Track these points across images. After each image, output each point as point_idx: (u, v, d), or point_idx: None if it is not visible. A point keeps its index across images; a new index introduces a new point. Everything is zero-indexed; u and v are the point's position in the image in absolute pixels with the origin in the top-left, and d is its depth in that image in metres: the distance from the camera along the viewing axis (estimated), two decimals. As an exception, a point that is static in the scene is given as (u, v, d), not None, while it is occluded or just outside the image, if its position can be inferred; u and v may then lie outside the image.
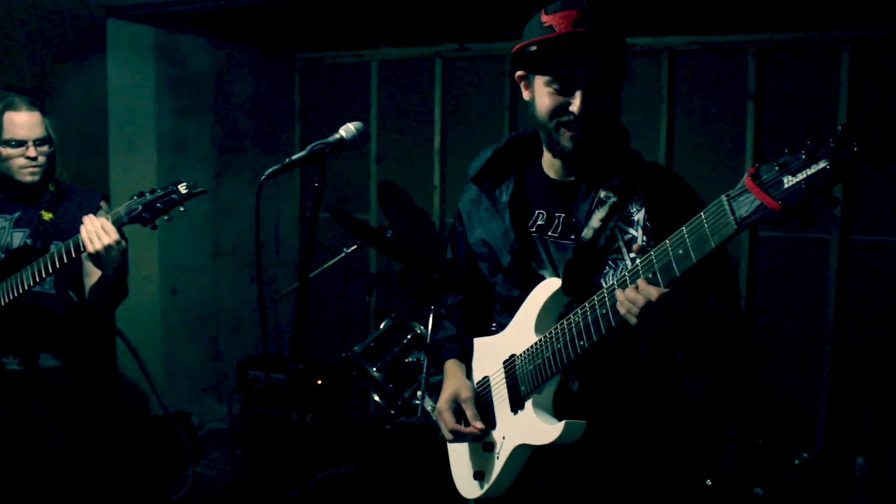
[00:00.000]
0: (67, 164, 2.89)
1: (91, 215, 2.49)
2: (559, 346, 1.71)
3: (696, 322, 1.59)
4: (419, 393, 3.56)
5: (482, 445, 1.92)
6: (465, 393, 1.95)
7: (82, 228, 2.46)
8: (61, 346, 2.82)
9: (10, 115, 2.66)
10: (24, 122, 2.67)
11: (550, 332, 1.74)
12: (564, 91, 1.73)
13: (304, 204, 5.62)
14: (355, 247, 3.91)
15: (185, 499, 4.12)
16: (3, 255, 2.70)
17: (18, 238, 2.74)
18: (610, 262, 1.75)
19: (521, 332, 1.83)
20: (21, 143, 2.68)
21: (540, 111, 1.78)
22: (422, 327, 3.76)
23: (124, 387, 4.68)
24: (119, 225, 2.46)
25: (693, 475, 3.57)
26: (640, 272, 1.53)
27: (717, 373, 1.88)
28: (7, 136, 2.67)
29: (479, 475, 1.91)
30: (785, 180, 1.29)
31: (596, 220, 1.73)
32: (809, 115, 4.12)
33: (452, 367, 2.06)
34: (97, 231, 2.44)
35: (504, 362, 1.87)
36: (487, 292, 2.03)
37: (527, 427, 1.77)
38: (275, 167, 1.87)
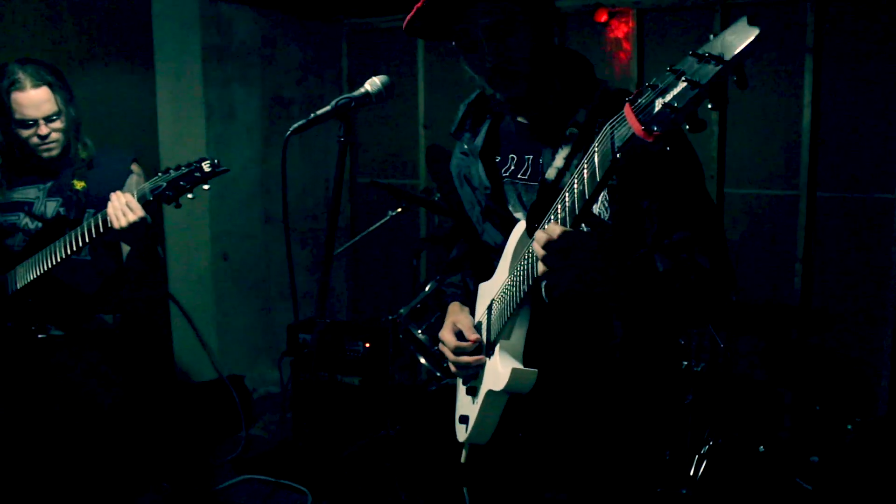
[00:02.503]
0: (116, 133, 2.92)
1: (118, 192, 2.51)
2: (513, 290, 1.65)
3: (622, 278, 1.47)
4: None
5: (467, 390, 1.90)
6: (465, 321, 1.91)
7: (109, 205, 2.49)
8: (100, 310, 2.89)
9: (16, 96, 2.66)
10: (31, 100, 2.67)
11: (510, 277, 1.70)
12: (472, 48, 1.69)
13: (352, 168, 5.63)
14: (400, 210, 3.89)
15: (239, 459, 4.21)
16: (40, 225, 2.76)
17: (52, 207, 2.79)
18: None
19: (498, 277, 1.81)
20: (32, 123, 2.70)
21: (474, 77, 1.75)
22: (467, 289, 3.73)
23: (182, 353, 4.80)
24: (144, 202, 2.49)
25: (745, 443, 3.50)
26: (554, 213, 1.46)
27: (661, 328, 1.80)
28: (18, 116, 2.68)
29: (464, 419, 1.90)
30: (656, 104, 1.18)
31: (559, 160, 1.65)
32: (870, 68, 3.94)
33: (452, 308, 2.03)
34: (122, 208, 2.47)
35: (487, 307, 1.84)
36: (481, 242, 2.01)
37: (491, 372, 1.75)
38: (300, 122, 1.85)
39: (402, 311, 3.80)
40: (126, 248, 2.83)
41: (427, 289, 3.87)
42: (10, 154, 2.79)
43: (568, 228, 1.38)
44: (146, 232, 2.54)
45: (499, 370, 1.69)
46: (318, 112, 1.87)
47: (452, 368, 1.91)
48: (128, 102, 4.22)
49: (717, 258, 1.61)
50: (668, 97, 1.15)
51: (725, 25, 4.32)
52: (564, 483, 1.83)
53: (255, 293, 5.17)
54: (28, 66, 2.69)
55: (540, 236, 1.41)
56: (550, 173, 1.65)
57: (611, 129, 1.27)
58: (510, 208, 1.82)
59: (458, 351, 1.86)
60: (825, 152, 4.10)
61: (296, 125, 1.86)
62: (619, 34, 4.56)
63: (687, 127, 1.17)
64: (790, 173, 4.19)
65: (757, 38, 1.08)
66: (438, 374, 3.79)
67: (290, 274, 1.89)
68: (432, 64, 5.23)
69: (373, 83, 1.92)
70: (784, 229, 4.23)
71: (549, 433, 1.82)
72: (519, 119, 1.83)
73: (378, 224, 3.88)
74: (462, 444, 1.95)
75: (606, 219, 1.61)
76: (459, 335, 1.89)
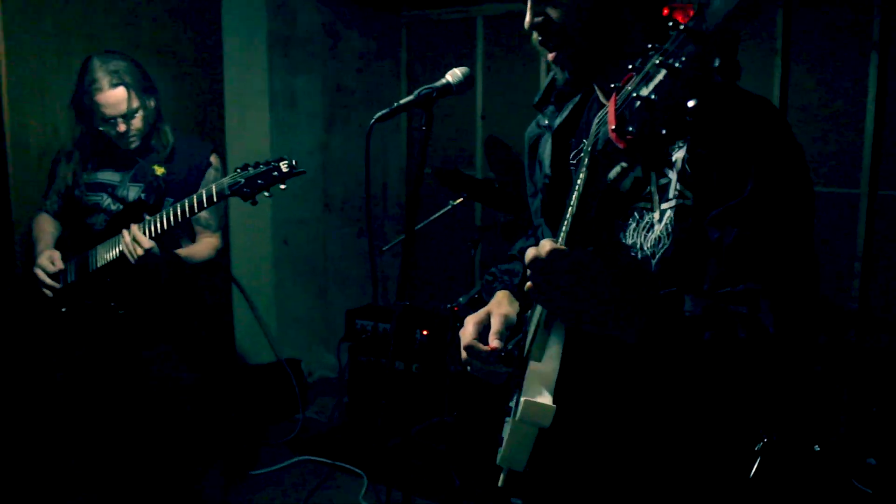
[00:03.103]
0: (185, 118, 3.03)
1: (124, 230, 2.66)
2: (539, 307, 1.31)
3: (642, 322, 1.13)
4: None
5: (507, 407, 1.51)
6: (498, 321, 1.49)
7: (120, 244, 2.67)
8: (167, 294, 2.99)
9: (98, 98, 2.80)
10: (109, 101, 2.80)
11: None
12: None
13: (410, 157, 5.69)
14: (460, 200, 3.93)
15: (296, 440, 4.30)
16: (121, 207, 2.88)
17: (134, 192, 2.91)
18: (635, 213, 1.34)
19: None
20: (112, 120, 2.83)
21: None
22: (525, 280, 3.77)
23: (241, 335, 4.91)
24: (221, 198, 2.59)
25: (802, 441, 3.47)
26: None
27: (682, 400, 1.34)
28: (98, 115, 2.83)
29: (501, 441, 1.52)
30: (636, 95, 0.91)
31: None
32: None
33: (499, 296, 1.58)
34: (132, 245, 2.62)
35: (529, 315, 1.50)
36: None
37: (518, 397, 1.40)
38: (383, 111, 1.90)
39: (461, 299, 3.85)
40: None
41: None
42: (95, 144, 2.92)
43: (560, 246, 1.08)
44: (161, 256, 2.69)
45: (521, 398, 1.35)
46: (401, 101, 1.92)
47: (462, 355, 1.52)
48: (195, 89, 4.32)
49: (790, 321, 1.19)
50: (649, 87, 0.88)
51: (788, 24, 4.26)
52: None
53: (312, 278, 5.26)
54: (109, 63, 2.80)
55: (529, 251, 1.10)
56: (613, 172, 1.19)
57: (597, 124, 1.04)
58: (567, 201, 1.43)
59: (469, 349, 1.48)
60: (889, 149, 4.05)
61: (379, 114, 1.92)
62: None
63: (664, 132, 0.88)
64: (851, 170, 4.14)
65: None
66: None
67: (372, 262, 1.94)
68: (491, 55, 5.25)
69: (454, 74, 1.96)
70: (843, 228, 4.19)
71: (573, 470, 1.50)
72: (602, 101, 1.47)
73: (439, 213, 3.93)
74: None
75: (667, 245, 1.28)
76: (483, 332, 1.50)
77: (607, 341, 1.18)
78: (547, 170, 1.55)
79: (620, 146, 0.92)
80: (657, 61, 0.88)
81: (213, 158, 3.03)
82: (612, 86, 0.97)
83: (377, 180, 5.67)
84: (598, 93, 1.48)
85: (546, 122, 1.61)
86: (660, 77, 0.87)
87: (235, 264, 4.84)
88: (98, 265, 2.80)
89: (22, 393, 3.05)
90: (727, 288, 1.21)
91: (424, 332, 4.32)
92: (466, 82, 1.96)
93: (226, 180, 2.60)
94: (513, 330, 1.50)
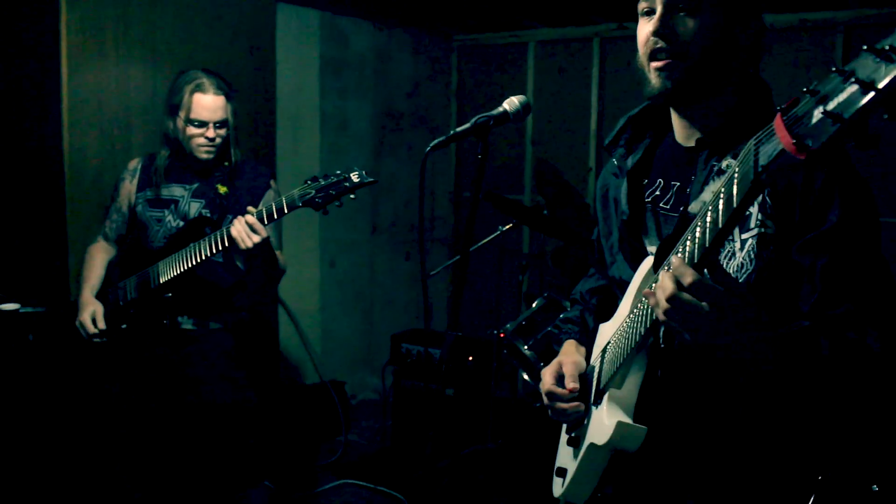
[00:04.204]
0: (240, 140, 3.06)
1: (239, 217, 2.64)
2: (629, 332, 1.47)
3: (771, 350, 1.26)
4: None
5: (569, 440, 1.72)
6: (570, 361, 1.74)
7: (232, 228, 2.62)
8: (228, 310, 3.01)
9: (198, 97, 2.84)
10: (210, 104, 2.85)
11: (628, 317, 1.51)
12: (650, 13, 1.48)
13: (458, 182, 5.68)
14: (510, 225, 3.91)
15: (338, 463, 4.29)
16: (183, 224, 2.91)
17: (195, 208, 2.94)
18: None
19: (619, 317, 1.63)
20: (203, 125, 2.86)
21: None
22: (573, 308, 3.72)
23: (285, 356, 4.93)
24: (291, 209, 2.61)
25: (855, 480, 3.35)
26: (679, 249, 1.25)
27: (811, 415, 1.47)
28: (193, 115, 2.85)
29: (561, 472, 1.75)
30: (814, 114, 0.96)
31: (708, 193, 1.31)
32: None
33: (567, 346, 1.84)
34: (246, 231, 2.61)
35: (602, 350, 1.67)
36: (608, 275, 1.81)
37: (597, 424, 1.56)
38: (439, 139, 1.88)
39: (508, 326, 3.82)
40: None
41: (534, 305, 3.88)
42: (175, 150, 2.96)
43: (703, 278, 1.19)
44: (266, 246, 2.68)
45: (604, 422, 1.51)
46: (458, 129, 1.89)
47: (544, 401, 1.75)
48: (249, 109, 4.37)
49: (890, 338, 1.33)
50: (831, 104, 0.93)
51: (848, 50, 4.19)
52: None
53: (358, 301, 5.27)
54: (210, 74, 2.88)
55: (665, 282, 1.20)
56: (694, 207, 1.41)
57: (755, 144, 1.08)
58: (645, 240, 1.62)
59: (550, 395, 1.72)
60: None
61: (435, 142, 1.89)
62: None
63: (853, 143, 0.95)
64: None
65: None
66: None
67: (424, 286, 1.92)
68: (542, 79, 5.24)
69: (511, 103, 1.93)
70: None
71: (639, 491, 1.62)
72: (679, 141, 1.59)
73: (489, 238, 3.91)
74: (557, 500, 1.78)
75: (750, 271, 1.39)
76: (559, 379, 1.73)
77: (703, 368, 1.38)
78: (624, 207, 1.63)
79: (800, 157, 0.98)
80: (836, 81, 0.93)
81: (272, 182, 3.08)
82: (779, 108, 1.03)
83: (425, 203, 5.68)
84: (676, 126, 1.58)
85: (616, 163, 1.71)
86: (847, 92, 0.91)
87: (282, 285, 4.86)
88: (161, 281, 2.82)
89: (77, 406, 3.09)
90: (829, 311, 1.34)
91: (469, 358, 4.29)
92: (524, 111, 1.93)
93: (296, 192, 2.61)
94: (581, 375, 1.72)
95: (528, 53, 5.26)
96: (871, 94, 0.88)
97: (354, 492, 4.01)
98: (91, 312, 2.87)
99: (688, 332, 1.23)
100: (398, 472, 4.12)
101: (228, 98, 2.90)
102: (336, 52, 4.89)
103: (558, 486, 1.75)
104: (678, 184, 1.57)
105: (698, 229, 1.20)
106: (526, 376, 3.84)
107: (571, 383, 1.68)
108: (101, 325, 2.86)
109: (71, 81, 3.45)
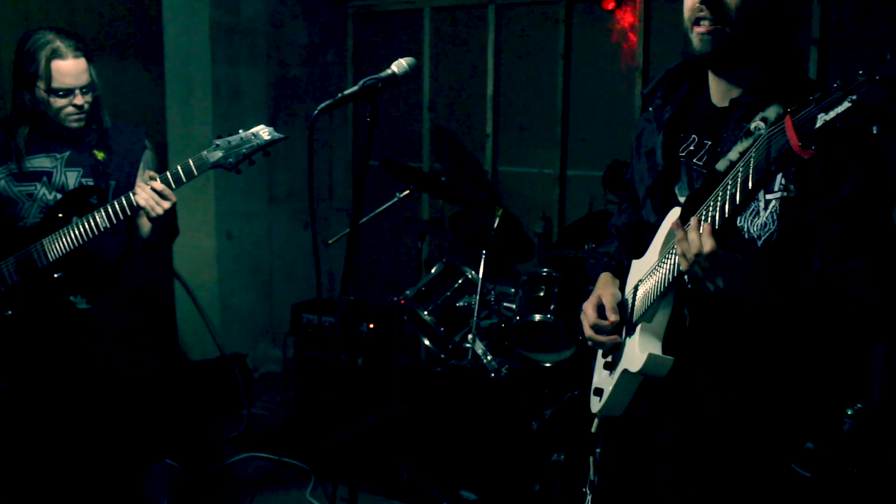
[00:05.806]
0: (124, 106, 2.93)
1: (142, 184, 2.54)
2: (659, 275, 1.69)
3: (766, 287, 1.50)
4: (470, 336, 3.58)
5: (605, 364, 1.94)
6: (608, 293, 1.93)
7: (139, 196, 2.52)
8: (119, 284, 2.90)
9: (56, 64, 2.63)
10: (72, 69, 2.65)
11: (659, 261, 1.72)
12: None
13: (356, 150, 5.64)
14: (407, 192, 3.91)
15: (242, 437, 4.25)
16: (59, 196, 2.74)
17: (73, 177, 2.76)
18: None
19: (649, 258, 1.83)
20: (69, 92, 2.67)
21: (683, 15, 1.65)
22: (472, 272, 3.77)
23: (183, 330, 4.82)
24: (202, 171, 2.52)
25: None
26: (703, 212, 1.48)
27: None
28: (56, 84, 2.65)
29: (599, 392, 1.95)
30: (818, 120, 1.19)
31: (735, 153, 1.51)
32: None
33: (603, 279, 2.03)
34: (155, 198, 2.52)
35: (634, 286, 1.87)
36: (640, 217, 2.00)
37: (630, 352, 1.78)
38: (327, 102, 1.88)
39: (408, 292, 3.84)
40: (143, 225, 2.84)
41: (433, 270, 3.91)
42: (37, 121, 2.75)
43: (716, 249, 1.42)
44: (175, 213, 2.60)
45: (636, 352, 1.73)
46: (346, 92, 1.90)
47: (588, 343, 1.95)
48: (136, 79, 4.22)
49: (887, 293, 1.54)
50: (831, 114, 1.17)
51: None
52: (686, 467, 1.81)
53: (257, 273, 5.19)
54: (63, 35, 2.66)
55: (693, 240, 1.45)
56: (721, 164, 1.55)
57: (769, 136, 1.31)
58: (676, 190, 1.79)
59: (595, 328, 1.90)
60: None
61: (323, 105, 1.89)
62: (625, 24, 4.58)
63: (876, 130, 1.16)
64: None
65: None
66: (442, 356, 3.83)
67: (315, 255, 1.91)
68: (438, 46, 5.24)
69: (399, 65, 1.95)
70: None
71: (669, 411, 1.83)
72: (713, 101, 1.75)
73: (387, 205, 3.90)
74: (594, 414, 2.00)
75: (773, 230, 1.58)
76: (601, 311, 1.91)
77: (724, 307, 1.57)
78: (659, 160, 1.81)
79: (805, 157, 1.22)
80: (837, 95, 1.16)
81: (146, 142, 2.92)
82: (789, 110, 1.24)
83: (323, 173, 5.62)
84: (713, 86, 1.73)
85: (653, 115, 1.87)
86: (843, 107, 1.14)
87: (178, 258, 4.75)
88: (49, 260, 2.66)
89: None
90: (836, 269, 1.53)
91: (370, 326, 4.30)
92: (412, 72, 1.95)
93: (205, 153, 2.52)
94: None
95: (424, 20, 5.24)
96: (864, 113, 1.13)
97: (260, 464, 3.99)
98: None
99: (710, 282, 1.47)
100: (302, 442, 4.11)
101: (89, 58, 2.70)
102: (227, 17, 4.75)
103: (596, 403, 1.96)
104: (710, 143, 1.73)
105: (720, 198, 1.43)
106: (427, 342, 3.88)
107: (613, 315, 1.86)
108: None
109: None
